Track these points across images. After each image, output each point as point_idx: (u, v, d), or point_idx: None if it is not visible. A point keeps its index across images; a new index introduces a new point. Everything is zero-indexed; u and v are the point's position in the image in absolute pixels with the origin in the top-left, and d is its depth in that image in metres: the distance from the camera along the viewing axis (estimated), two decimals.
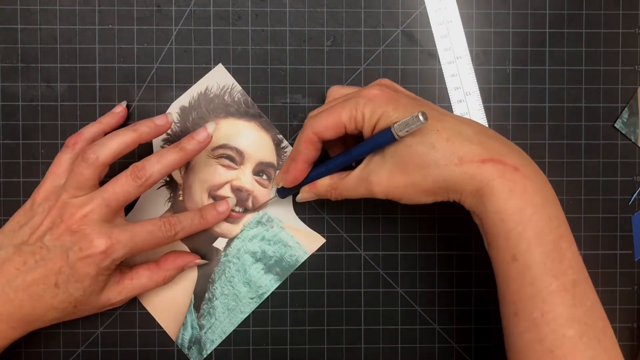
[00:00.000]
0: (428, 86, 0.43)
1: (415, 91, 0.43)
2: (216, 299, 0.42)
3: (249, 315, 0.42)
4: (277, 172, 0.42)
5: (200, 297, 0.42)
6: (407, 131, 0.32)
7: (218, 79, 0.42)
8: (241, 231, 0.42)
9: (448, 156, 0.33)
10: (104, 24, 0.42)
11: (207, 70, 0.42)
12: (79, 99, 0.42)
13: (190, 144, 0.37)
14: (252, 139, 0.42)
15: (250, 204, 0.42)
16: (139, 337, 0.42)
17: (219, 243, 0.42)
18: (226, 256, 0.42)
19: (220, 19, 0.42)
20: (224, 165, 0.42)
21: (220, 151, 0.42)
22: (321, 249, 0.43)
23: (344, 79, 0.42)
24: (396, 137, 0.33)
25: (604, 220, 0.44)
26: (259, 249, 0.42)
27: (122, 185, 0.36)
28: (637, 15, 0.43)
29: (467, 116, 0.43)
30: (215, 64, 0.42)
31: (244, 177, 0.42)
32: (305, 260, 0.42)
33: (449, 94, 0.43)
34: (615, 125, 0.43)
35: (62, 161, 0.38)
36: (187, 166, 0.42)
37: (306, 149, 0.36)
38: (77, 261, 0.35)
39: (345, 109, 0.35)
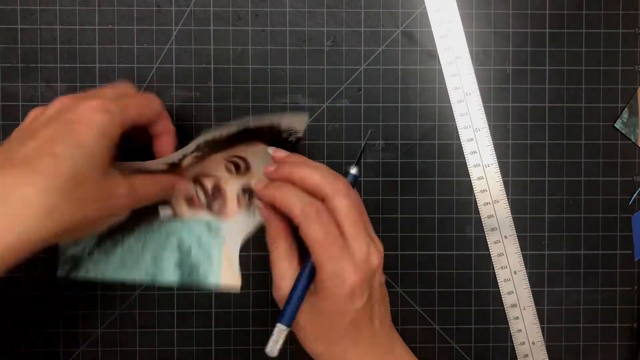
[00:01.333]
0: (428, 86, 0.43)
1: (415, 91, 0.43)
2: (121, 246, 0.41)
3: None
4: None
5: (112, 232, 0.41)
6: None
7: (293, 122, 0.38)
8: (188, 218, 0.41)
9: None
10: (104, 24, 0.42)
11: (207, 70, 0.42)
12: None
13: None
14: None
15: (216, 207, 0.41)
16: (139, 337, 0.42)
17: (164, 210, 0.41)
18: (159, 225, 0.41)
19: (220, 19, 0.42)
20: (227, 168, 0.41)
21: (236, 159, 0.41)
22: None
23: (344, 79, 0.42)
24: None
25: (604, 220, 0.44)
26: (187, 243, 0.41)
27: (137, 102, 0.35)
28: (637, 15, 0.43)
29: (466, 116, 0.43)
30: (215, 64, 0.42)
31: (232, 185, 0.41)
32: None
33: (449, 94, 0.43)
34: (615, 125, 0.43)
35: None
36: None
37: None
38: (72, 123, 0.32)
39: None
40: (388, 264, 0.43)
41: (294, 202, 0.34)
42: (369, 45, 0.43)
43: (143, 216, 0.41)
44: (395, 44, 0.43)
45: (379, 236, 0.43)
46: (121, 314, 0.42)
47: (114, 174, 0.34)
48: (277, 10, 0.42)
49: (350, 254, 0.34)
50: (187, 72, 0.42)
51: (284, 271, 0.35)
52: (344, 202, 0.34)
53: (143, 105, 0.35)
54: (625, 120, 0.43)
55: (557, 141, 0.43)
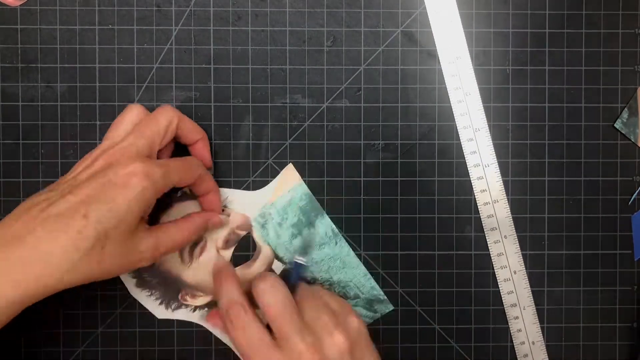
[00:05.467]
0: (428, 86, 0.43)
1: (415, 91, 0.43)
2: None
3: None
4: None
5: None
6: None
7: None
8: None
9: None
10: (104, 24, 0.42)
11: (207, 70, 0.42)
12: (79, 99, 0.42)
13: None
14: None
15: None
16: (139, 337, 0.42)
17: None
18: None
19: (220, 19, 0.42)
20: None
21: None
22: None
23: (344, 79, 0.42)
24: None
25: (603, 220, 0.44)
26: None
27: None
28: (637, 15, 0.43)
29: (466, 116, 0.43)
30: (215, 64, 0.42)
31: (220, 232, 0.42)
32: None
33: (449, 94, 0.43)
34: (615, 125, 0.43)
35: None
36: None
37: None
38: (110, 185, 0.33)
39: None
40: (388, 264, 0.43)
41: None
42: (369, 45, 0.43)
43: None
44: (395, 44, 0.43)
45: (379, 236, 0.43)
46: (121, 313, 0.42)
47: (140, 229, 0.35)
48: (277, 10, 0.42)
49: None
50: (187, 72, 0.42)
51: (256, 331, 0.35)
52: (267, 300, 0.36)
53: (185, 171, 0.37)
54: (625, 120, 0.43)
55: (557, 141, 0.43)
